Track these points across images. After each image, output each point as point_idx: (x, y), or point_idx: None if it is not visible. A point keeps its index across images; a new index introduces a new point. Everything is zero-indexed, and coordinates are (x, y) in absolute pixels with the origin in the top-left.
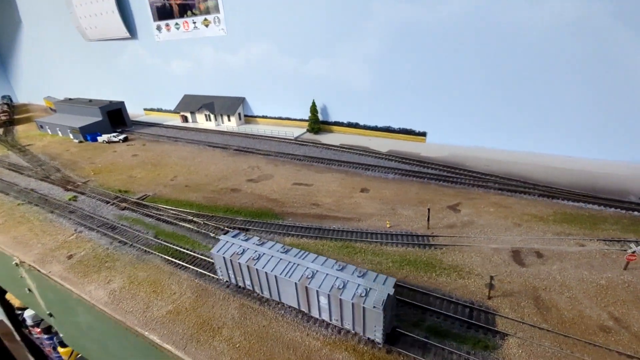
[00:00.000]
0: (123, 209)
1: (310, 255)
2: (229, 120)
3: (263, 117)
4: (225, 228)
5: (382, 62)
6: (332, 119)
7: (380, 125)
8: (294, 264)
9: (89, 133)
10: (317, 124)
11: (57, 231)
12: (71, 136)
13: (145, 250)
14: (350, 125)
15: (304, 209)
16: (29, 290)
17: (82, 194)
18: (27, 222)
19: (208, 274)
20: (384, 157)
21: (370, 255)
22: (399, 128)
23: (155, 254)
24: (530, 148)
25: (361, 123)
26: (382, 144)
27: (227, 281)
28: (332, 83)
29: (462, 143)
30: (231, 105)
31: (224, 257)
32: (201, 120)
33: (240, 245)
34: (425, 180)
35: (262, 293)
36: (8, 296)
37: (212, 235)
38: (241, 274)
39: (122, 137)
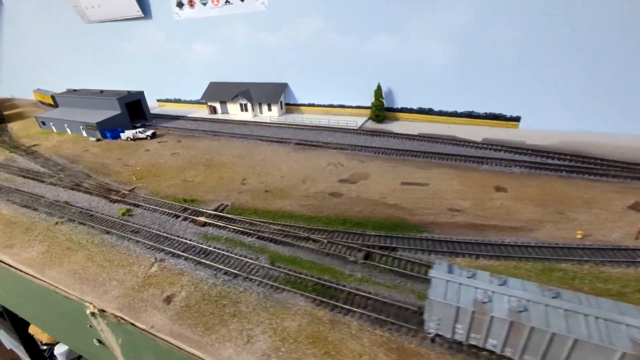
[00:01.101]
0: (203, 225)
1: (603, 301)
2: (270, 110)
3: (309, 105)
4: (386, 253)
5: (467, 36)
6: (398, 104)
7: (460, 110)
8: (603, 319)
9: (108, 129)
10: (382, 111)
11: (129, 260)
12: (84, 133)
13: (273, 286)
14: (421, 111)
15: (444, 217)
16: (99, 342)
17: (136, 205)
18: (79, 247)
19: (393, 321)
20: (488, 147)
21: (594, 281)
22: (485, 113)
23: (290, 290)
24: None
25: (435, 108)
26: (467, 131)
27: (436, 335)
28: (400, 63)
29: (566, 128)
30: (272, 92)
31: (460, 308)
32: (234, 111)
33: (471, 286)
34: (563, 174)
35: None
36: (32, 329)
37: (351, 259)
38: (485, 330)
39: (149, 132)
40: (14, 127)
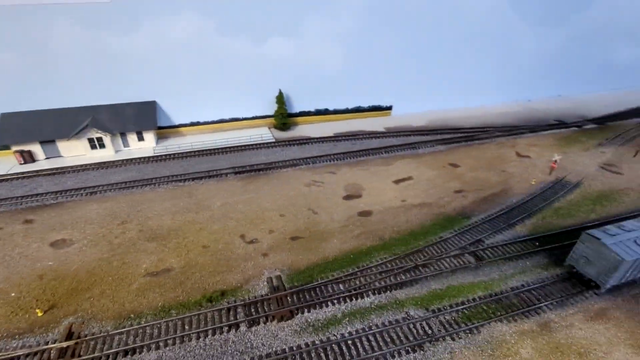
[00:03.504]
0: (284, 318)
1: None
2: (141, 139)
3: (192, 124)
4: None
5: (351, 38)
6: (296, 109)
7: (350, 106)
8: None
9: None
10: (285, 117)
11: None
12: None
13: (465, 331)
14: (318, 112)
15: (460, 201)
16: None
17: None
18: None
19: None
20: (390, 135)
21: None
22: (369, 106)
23: (482, 324)
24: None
25: (331, 108)
26: (361, 124)
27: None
28: (296, 67)
29: (422, 109)
30: (139, 115)
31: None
32: (77, 151)
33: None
34: (453, 145)
35: None
36: None
37: (472, 265)
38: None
39: None
40: None
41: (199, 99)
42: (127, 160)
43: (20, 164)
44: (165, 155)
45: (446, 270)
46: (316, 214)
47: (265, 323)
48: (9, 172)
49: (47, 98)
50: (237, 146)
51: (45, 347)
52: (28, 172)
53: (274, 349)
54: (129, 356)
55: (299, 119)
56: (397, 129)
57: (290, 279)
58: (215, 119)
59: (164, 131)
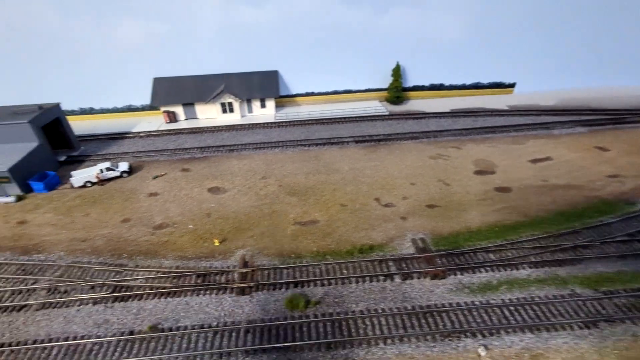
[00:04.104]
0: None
1: None
2: (263, 106)
3: (307, 95)
4: None
5: (479, 7)
6: (411, 83)
7: (468, 82)
8: None
9: (29, 176)
10: (399, 91)
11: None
12: None
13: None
14: (433, 87)
15: (613, 187)
16: None
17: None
18: None
19: None
20: (516, 114)
21: None
22: (489, 83)
23: None
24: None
25: (446, 83)
26: (481, 102)
27: None
28: (416, 40)
29: (550, 87)
30: (263, 84)
31: None
32: (210, 114)
33: None
34: (597, 128)
35: None
36: None
37: None
38: None
39: (124, 167)
40: None
41: (316, 70)
42: (253, 124)
43: (166, 122)
44: (286, 121)
45: (614, 254)
46: (448, 185)
47: (418, 278)
48: (159, 129)
49: (188, 65)
50: (353, 117)
51: (229, 270)
52: (174, 129)
53: (433, 302)
54: (299, 287)
55: (412, 93)
56: (523, 108)
57: (436, 243)
58: (329, 90)
59: (281, 100)
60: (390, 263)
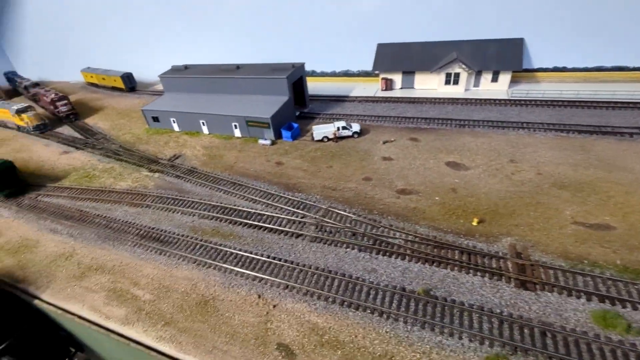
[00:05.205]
0: None
1: None
2: (495, 80)
3: (555, 70)
4: None
5: None
6: None
7: None
8: None
9: (280, 125)
10: None
11: None
12: (238, 133)
13: None
14: None
15: None
16: None
17: None
18: None
19: None
20: None
21: None
22: None
23: None
24: None
25: None
26: None
27: None
28: None
29: None
30: (501, 54)
31: None
32: (430, 84)
33: None
34: None
35: None
36: None
37: None
38: None
39: (356, 128)
40: (99, 124)
41: (574, 38)
42: (480, 99)
43: (382, 90)
44: (526, 100)
45: None
46: None
47: None
48: (376, 95)
49: (414, 31)
50: (633, 102)
51: (498, 256)
52: (391, 97)
53: None
54: (606, 303)
55: None
56: None
57: None
58: (590, 65)
59: (516, 74)
60: None
